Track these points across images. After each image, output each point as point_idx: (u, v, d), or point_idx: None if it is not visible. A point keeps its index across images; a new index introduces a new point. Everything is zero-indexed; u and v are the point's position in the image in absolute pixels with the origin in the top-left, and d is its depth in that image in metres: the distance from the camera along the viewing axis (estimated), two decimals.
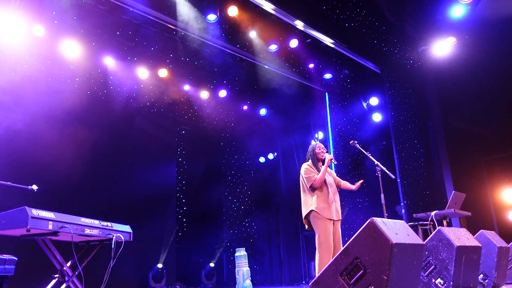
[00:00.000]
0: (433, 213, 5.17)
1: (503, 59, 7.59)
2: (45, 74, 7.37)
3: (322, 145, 4.98)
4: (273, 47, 8.28)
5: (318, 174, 4.70)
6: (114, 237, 3.44)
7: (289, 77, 9.02)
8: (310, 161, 4.93)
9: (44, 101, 7.22)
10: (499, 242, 4.61)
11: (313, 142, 5.07)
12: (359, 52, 8.37)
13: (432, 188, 8.10)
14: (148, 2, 6.59)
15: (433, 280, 3.51)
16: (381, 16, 7.71)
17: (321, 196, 4.66)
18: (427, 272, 3.56)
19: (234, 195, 11.06)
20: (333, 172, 5.15)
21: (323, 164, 4.82)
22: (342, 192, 9.01)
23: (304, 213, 4.72)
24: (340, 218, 4.76)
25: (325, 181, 4.74)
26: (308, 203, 4.69)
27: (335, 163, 4.93)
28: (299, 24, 7.45)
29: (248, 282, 5.72)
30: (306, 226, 4.79)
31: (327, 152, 4.94)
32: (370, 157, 4.97)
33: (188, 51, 8.14)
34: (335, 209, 4.69)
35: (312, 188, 4.68)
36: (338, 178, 5.08)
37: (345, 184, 5.04)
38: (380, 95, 9.17)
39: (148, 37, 7.78)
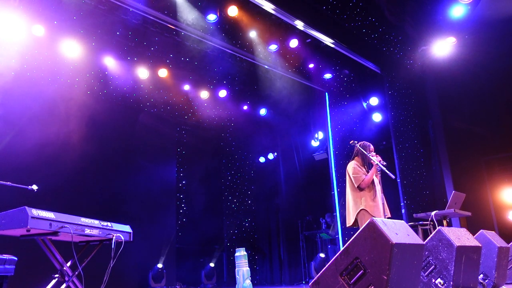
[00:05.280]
0: (433, 213, 5.17)
1: (503, 59, 7.59)
2: (45, 74, 7.37)
3: (372, 147, 5.09)
4: (273, 47, 8.28)
5: (366, 175, 4.83)
6: (114, 237, 3.43)
7: (289, 77, 9.01)
8: (357, 160, 5.04)
9: (44, 101, 7.23)
10: (499, 242, 4.61)
11: (357, 143, 5.19)
12: (359, 52, 8.37)
13: (432, 188, 8.10)
14: (148, 2, 6.58)
15: (433, 280, 3.51)
16: (381, 16, 7.71)
17: (369, 195, 4.81)
18: (427, 272, 3.56)
19: (234, 195, 11.06)
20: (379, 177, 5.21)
21: (371, 166, 4.96)
22: (343, 191, 9.02)
23: (353, 212, 4.86)
24: (389, 216, 4.84)
25: (372, 181, 4.88)
26: (357, 202, 4.84)
27: (384, 163, 4.97)
28: (299, 24, 7.44)
29: (248, 282, 5.72)
30: (350, 224, 4.91)
31: (374, 154, 5.05)
32: (371, 157, 4.97)
33: (188, 51, 8.14)
34: (383, 208, 4.80)
35: (360, 188, 4.82)
36: None
37: None
38: (380, 95, 9.17)
39: (148, 37, 7.78)
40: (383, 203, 4.81)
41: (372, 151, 5.04)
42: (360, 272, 2.54)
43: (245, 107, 10.69)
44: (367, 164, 4.99)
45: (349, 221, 4.93)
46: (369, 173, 4.86)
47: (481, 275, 4.34)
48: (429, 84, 8.55)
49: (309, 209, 10.28)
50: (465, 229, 4.10)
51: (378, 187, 4.90)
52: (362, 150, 5.01)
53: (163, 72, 8.76)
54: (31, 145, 6.94)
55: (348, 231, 8.62)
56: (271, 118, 10.85)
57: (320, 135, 10.20)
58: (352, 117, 9.35)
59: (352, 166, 4.94)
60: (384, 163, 4.92)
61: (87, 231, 3.25)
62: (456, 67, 7.92)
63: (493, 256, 4.37)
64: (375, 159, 4.89)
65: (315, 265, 8.62)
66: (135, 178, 8.73)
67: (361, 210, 4.79)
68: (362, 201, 4.79)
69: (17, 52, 6.78)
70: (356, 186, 4.85)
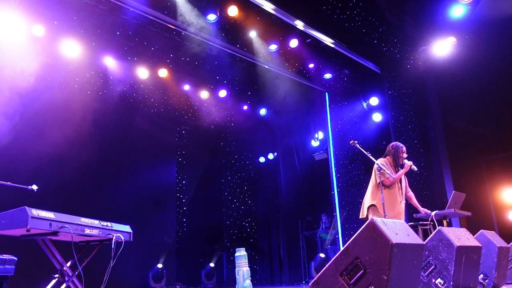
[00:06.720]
0: (433, 213, 5.17)
1: (503, 59, 7.58)
2: (45, 74, 7.37)
3: (404, 148, 5.12)
4: (273, 47, 8.28)
5: (392, 174, 4.83)
6: (114, 237, 3.43)
7: (289, 77, 9.01)
8: (388, 159, 5.08)
9: (44, 101, 7.22)
10: (499, 242, 4.61)
11: (392, 144, 5.22)
12: (359, 52, 8.37)
13: (432, 188, 8.09)
14: (148, 2, 6.58)
15: (433, 280, 3.51)
16: (381, 16, 7.71)
17: (387, 195, 4.83)
18: (427, 272, 3.56)
19: (234, 195, 11.06)
20: (405, 179, 5.26)
21: (401, 168, 4.98)
22: (343, 191, 9.03)
23: (366, 204, 4.94)
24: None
25: (397, 184, 4.93)
26: (373, 197, 4.89)
27: (415, 170, 4.98)
28: (299, 24, 7.44)
29: (248, 282, 5.71)
30: (361, 215, 5.02)
31: (406, 158, 5.08)
32: (370, 157, 4.97)
33: (188, 51, 8.14)
34: (396, 213, 4.81)
35: (383, 184, 4.82)
36: (409, 188, 5.26)
37: (411, 197, 5.26)
38: (380, 95, 9.17)
39: (148, 37, 7.78)
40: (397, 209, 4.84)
41: (404, 152, 5.07)
42: (360, 272, 2.54)
43: (245, 107, 10.69)
44: (398, 166, 5.02)
45: (361, 214, 5.02)
46: (397, 174, 4.90)
47: (481, 275, 4.34)
48: (429, 84, 8.55)
49: (309, 209, 10.28)
50: (465, 229, 4.10)
51: (400, 192, 4.96)
52: (363, 150, 5.00)
53: (163, 72, 8.76)
54: (30, 145, 6.94)
55: (348, 231, 8.62)
56: (271, 118, 10.86)
57: (320, 135, 10.20)
58: (352, 117, 9.35)
59: (380, 163, 4.95)
60: (416, 169, 4.96)
61: (87, 231, 3.25)
62: (456, 67, 7.91)
63: (493, 256, 4.37)
64: (408, 162, 4.93)
65: (315, 265, 8.62)
66: (135, 178, 8.72)
67: (372, 205, 4.86)
68: (378, 197, 4.83)
69: (16, 52, 6.78)
70: (378, 182, 4.85)
